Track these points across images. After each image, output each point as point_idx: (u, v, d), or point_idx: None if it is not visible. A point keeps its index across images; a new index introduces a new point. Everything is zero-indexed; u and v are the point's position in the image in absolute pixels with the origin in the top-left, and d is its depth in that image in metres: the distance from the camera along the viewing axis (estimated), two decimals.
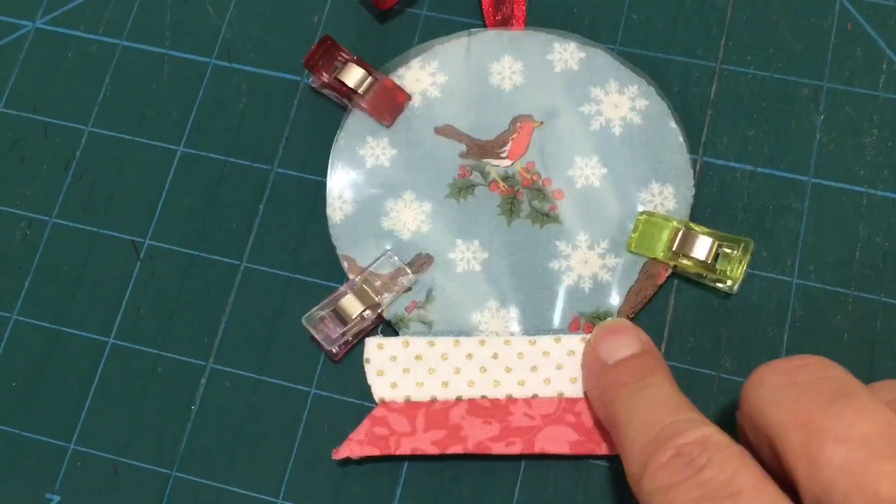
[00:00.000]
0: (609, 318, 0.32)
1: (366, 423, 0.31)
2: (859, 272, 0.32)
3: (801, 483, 0.23)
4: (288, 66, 0.36)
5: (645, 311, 0.32)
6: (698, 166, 0.34)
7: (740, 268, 0.31)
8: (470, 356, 0.32)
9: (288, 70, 0.36)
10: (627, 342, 0.29)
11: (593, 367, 0.30)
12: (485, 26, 0.35)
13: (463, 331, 0.32)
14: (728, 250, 0.31)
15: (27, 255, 0.34)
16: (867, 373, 0.31)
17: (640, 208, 0.33)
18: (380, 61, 0.35)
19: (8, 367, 0.33)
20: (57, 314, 0.33)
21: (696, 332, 0.32)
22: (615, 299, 0.32)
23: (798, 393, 0.24)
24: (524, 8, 0.35)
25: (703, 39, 0.35)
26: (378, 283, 0.32)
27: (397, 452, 0.30)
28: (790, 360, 0.25)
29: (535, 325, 0.32)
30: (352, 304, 0.32)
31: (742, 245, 0.31)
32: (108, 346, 0.33)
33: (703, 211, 0.33)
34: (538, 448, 0.30)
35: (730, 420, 0.30)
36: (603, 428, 0.30)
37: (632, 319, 0.32)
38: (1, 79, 0.37)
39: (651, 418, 0.26)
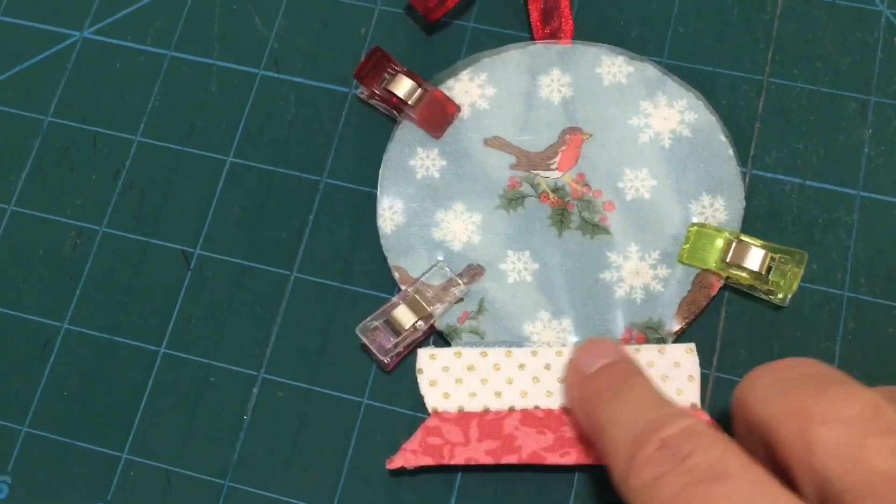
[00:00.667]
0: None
1: (419, 433, 0.31)
2: None
3: (798, 470, 0.23)
4: (336, 77, 0.36)
5: (696, 323, 0.32)
6: (747, 179, 0.34)
7: (795, 280, 0.31)
8: (522, 367, 0.32)
9: (336, 81, 0.36)
10: (605, 352, 0.30)
11: (574, 379, 0.30)
12: (532, 39, 0.35)
13: (515, 341, 0.32)
14: (782, 262, 0.31)
15: (78, 264, 0.34)
16: None
17: (692, 220, 0.33)
18: (427, 73, 0.35)
19: (60, 376, 0.33)
20: (108, 324, 0.34)
21: (747, 345, 0.32)
22: (668, 309, 0.32)
23: (788, 387, 0.24)
24: (571, 22, 0.35)
25: (750, 53, 0.35)
26: (430, 294, 0.32)
27: (451, 462, 0.30)
28: (780, 361, 0.26)
29: (587, 335, 0.32)
30: (404, 315, 0.32)
31: (796, 257, 0.31)
32: (160, 356, 0.33)
33: (753, 224, 0.33)
34: (594, 458, 0.30)
35: None
36: None
37: (684, 330, 0.32)
38: (49, 88, 0.37)
39: (634, 418, 0.26)
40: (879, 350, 0.32)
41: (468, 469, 0.31)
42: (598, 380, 0.29)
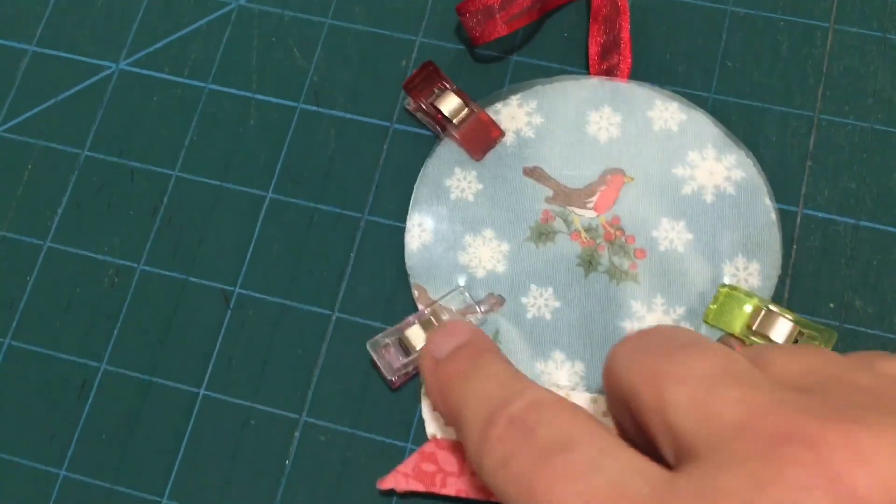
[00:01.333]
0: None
1: (414, 457, 0.30)
2: None
3: (657, 433, 0.22)
4: (376, 111, 0.35)
5: None
6: (799, 219, 0.33)
7: None
8: None
9: (377, 115, 0.35)
10: (455, 334, 0.28)
11: (427, 366, 0.28)
12: (586, 73, 0.35)
13: None
14: (809, 338, 0.31)
15: (115, 303, 0.34)
16: None
17: (723, 280, 0.32)
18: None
19: (98, 418, 0.32)
20: (147, 364, 0.33)
21: None
22: None
23: (646, 352, 0.23)
24: (630, 61, 0.34)
25: (800, 88, 0.35)
26: (446, 318, 0.32)
27: (442, 492, 0.30)
28: (643, 330, 0.25)
29: (599, 382, 0.31)
30: (417, 336, 0.31)
31: (825, 335, 0.31)
32: (200, 398, 0.32)
33: (805, 266, 0.32)
34: None
35: None
36: None
37: None
38: (85, 122, 0.36)
39: (484, 396, 0.25)
40: None
41: None
42: (449, 364, 0.27)
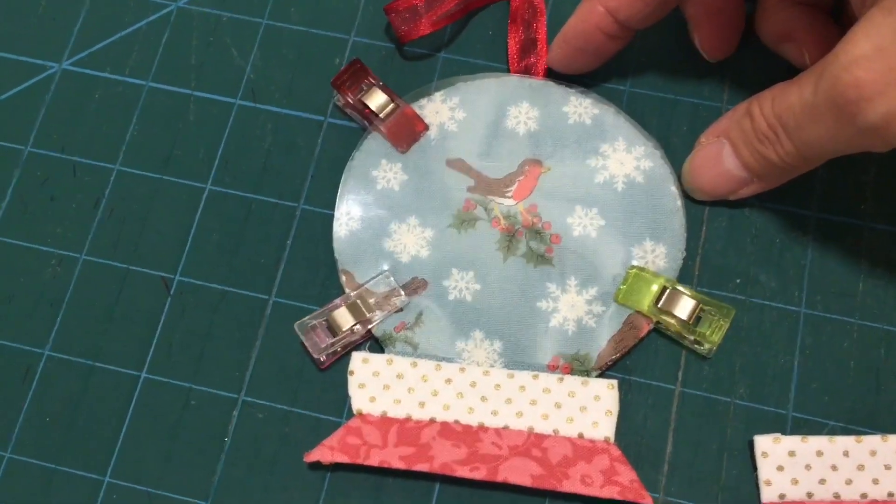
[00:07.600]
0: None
1: (340, 431, 0.32)
2: (863, 302, 0.34)
3: None
4: (311, 106, 0.37)
5: (663, 338, 0.34)
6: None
7: (719, 333, 0.33)
8: (449, 381, 0.33)
9: (312, 110, 0.37)
10: None
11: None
12: (508, 71, 0.37)
13: (446, 356, 0.33)
14: (710, 314, 0.33)
15: (58, 292, 0.35)
16: (873, 398, 0.33)
17: (632, 262, 0.34)
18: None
19: (41, 402, 0.34)
20: (89, 350, 0.34)
21: (710, 361, 0.33)
22: (596, 344, 0.33)
23: None
24: (546, 60, 0.36)
25: (709, 81, 0.37)
26: (372, 301, 0.34)
27: (366, 463, 0.32)
28: None
29: (516, 359, 0.33)
30: (344, 317, 0.33)
31: (724, 311, 0.33)
32: (141, 381, 0.34)
33: (714, 245, 0.35)
34: (501, 477, 0.31)
35: (741, 448, 0.32)
36: (566, 465, 0.31)
37: (610, 366, 0.33)
38: (28, 119, 0.37)
39: None
40: (835, 364, 0.33)
41: (445, 483, 0.32)
42: None
